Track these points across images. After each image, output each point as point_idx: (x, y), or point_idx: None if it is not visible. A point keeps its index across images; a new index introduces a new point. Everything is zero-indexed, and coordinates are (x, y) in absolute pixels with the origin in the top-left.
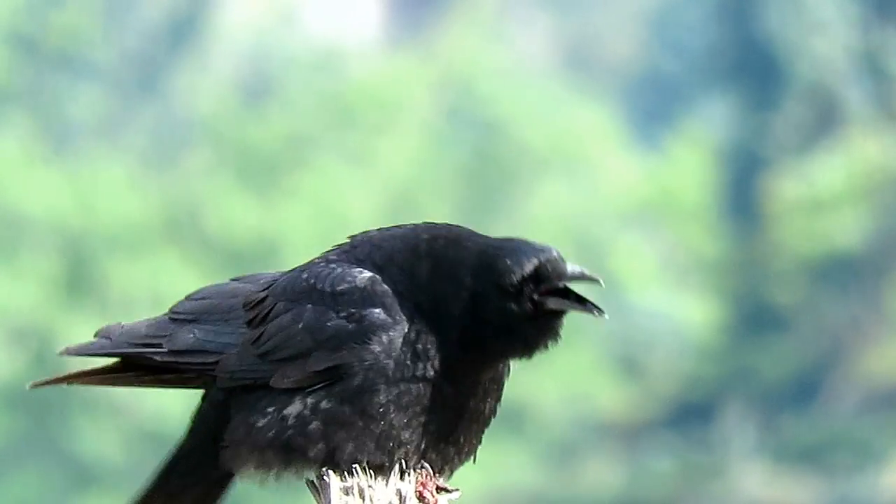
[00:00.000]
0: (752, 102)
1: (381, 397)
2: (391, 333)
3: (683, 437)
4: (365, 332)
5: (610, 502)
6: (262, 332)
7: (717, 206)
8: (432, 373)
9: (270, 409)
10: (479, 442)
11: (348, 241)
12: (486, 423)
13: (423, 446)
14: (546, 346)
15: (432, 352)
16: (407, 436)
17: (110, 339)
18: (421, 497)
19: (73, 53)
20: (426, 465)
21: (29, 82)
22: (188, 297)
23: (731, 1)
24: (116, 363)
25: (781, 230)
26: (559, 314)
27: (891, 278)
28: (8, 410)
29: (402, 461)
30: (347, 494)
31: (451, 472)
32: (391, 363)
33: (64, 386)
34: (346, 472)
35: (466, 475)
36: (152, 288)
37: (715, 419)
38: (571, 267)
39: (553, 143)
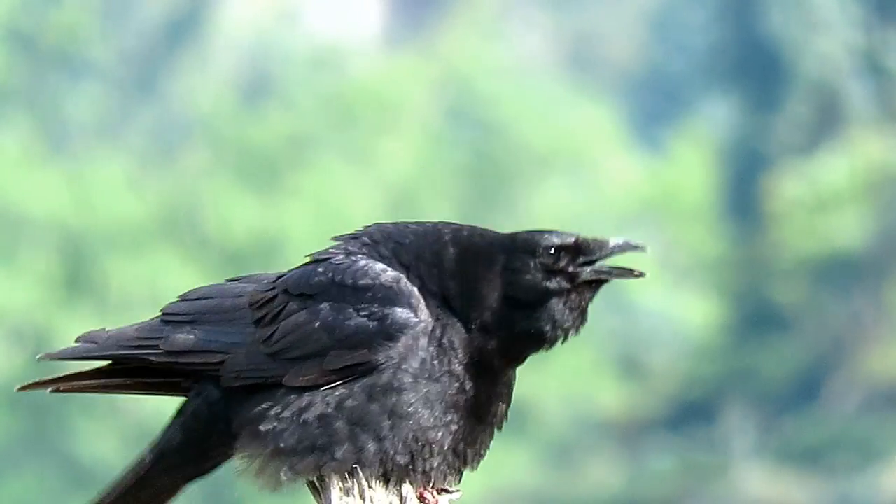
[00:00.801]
0: (754, 102)
1: (409, 396)
2: (416, 331)
3: (684, 437)
4: (389, 330)
5: (610, 502)
6: (274, 332)
7: (719, 205)
8: (458, 368)
9: (288, 413)
10: (488, 448)
11: (362, 230)
12: (498, 428)
13: (446, 447)
14: (572, 329)
15: (457, 346)
16: (433, 435)
17: (95, 343)
18: (422, 498)
19: (72, 53)
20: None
21: (28, 81)
22: (182, 298)
23: (733, 0)
24: (102, 369)
25: (783, 229)
26: (595, 287)
27: (892, 278)
28: (6, 411)
29: (425, 462)
30: (348, 495)
31: (461, 476)
32: (416, 362)
33: (53, 391)
34: (369, 475)
35: (467, 475)
36: (151, 287)
37: (716, 419)
38: (614, 240)
39: (554, 143)
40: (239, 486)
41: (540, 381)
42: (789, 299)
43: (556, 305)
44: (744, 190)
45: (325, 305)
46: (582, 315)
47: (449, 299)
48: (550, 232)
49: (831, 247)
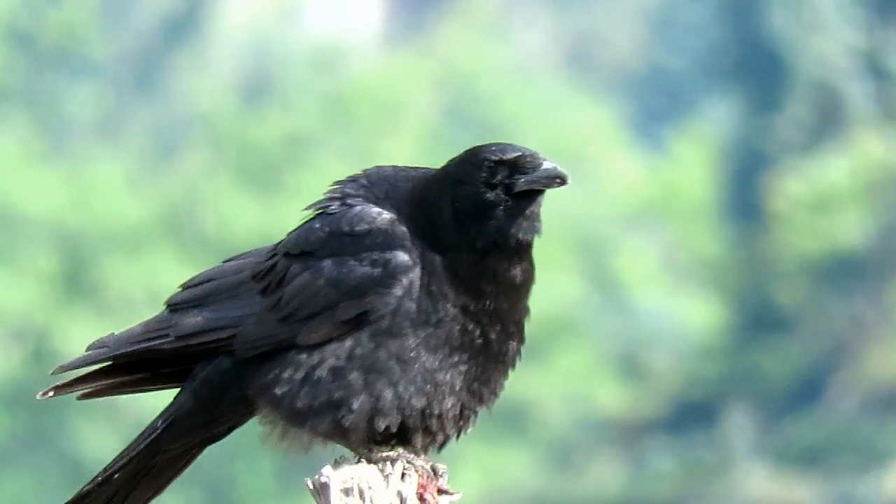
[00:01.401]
0: (755, 102)
1: (410, 341)
2: (411, 276)
3: (685, 437)
4: (390, 276)
5: (612, 502)
6: (280, 297)
7: (720, 205)
8: (452, 310)
9: (301, 373)
10: (503, 388)
11: (361, 172)
12: (512, 366)
13: (457, 387)
14: (525, 234)
15: (447, 287)
16: (441, 377)
17: (107, 346)
18: (421, 499)
19: (71, 51)
20: (427, 466)
21: (27, 81)
22: (184, 286)
23: (734, 1)
24: (117, 365)
25: (784, 229)
26: (530, 197)
27: (894, 278)
28: (6, 410)
29: (441, 404)
30: (348, 496)
31: (477, 417)
32: (413, 306)
33: (69, 395)
34: (388, 424)
35: (468, 475)
36: (150, 287)
37: (717, 419)
38: (548, 162)
39: (555, 143)
40: (238, 486)
41: (541, 381)
42: (790, 299)
43: (499, 214)
44: (745, 190)
45: (327, 262)
46: (531, 221)
47: (436, 239)
48: (495, 146)
49: (832, 246)
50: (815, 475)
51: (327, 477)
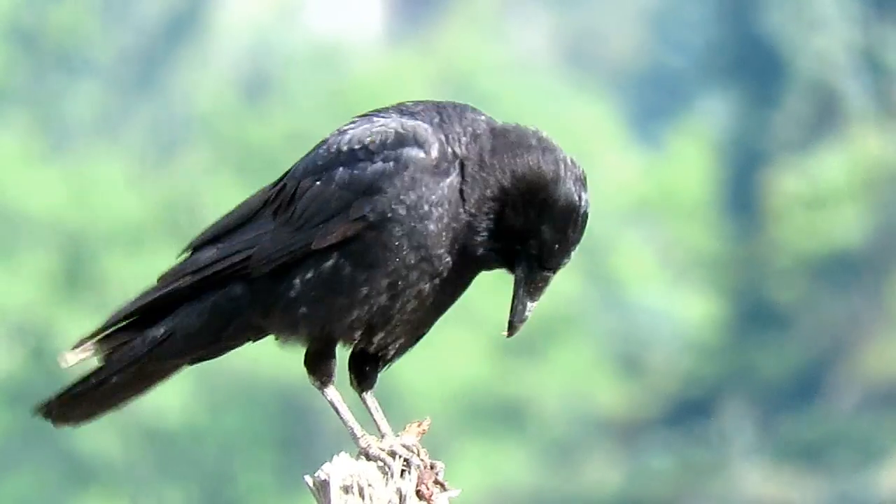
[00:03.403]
0: (753, 99)
1: (397, 229)
2: (423, 165)
3: (683, 435)
4: (402, 166)
5: (609, 500)
6: (293, 210)
7: (718, 202)
8: (450, 228)
9: (310, 274)
10: (422, 335)
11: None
12: (439, 315)
13: (414, 306)
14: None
15: (466, 203)
16: (413, 277)
17: (121, 308)
18: (420, 495)
19: (72, 50)
20: (426, 459)
21: (27, 79)
22: (201, 234)
23: None
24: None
25: (781, 227)
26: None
27: (891, 275)
28: (6, 407)
29: (406, 305)
30: (347, 493)
31: (400, 354)
32: (415, 195)
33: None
34: (363, 317)
35: (467, 473)
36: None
37: (715, 417)
38: (531, 307)
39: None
40: (238, 484)
41: (539, 379)
42: (788, 297)
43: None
44: (742, 187)
45: (339, 168)
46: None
47: (469, 170)
48: (572, 244)
49: (830, 244)
50: (812, 472)
51: (327, 475)
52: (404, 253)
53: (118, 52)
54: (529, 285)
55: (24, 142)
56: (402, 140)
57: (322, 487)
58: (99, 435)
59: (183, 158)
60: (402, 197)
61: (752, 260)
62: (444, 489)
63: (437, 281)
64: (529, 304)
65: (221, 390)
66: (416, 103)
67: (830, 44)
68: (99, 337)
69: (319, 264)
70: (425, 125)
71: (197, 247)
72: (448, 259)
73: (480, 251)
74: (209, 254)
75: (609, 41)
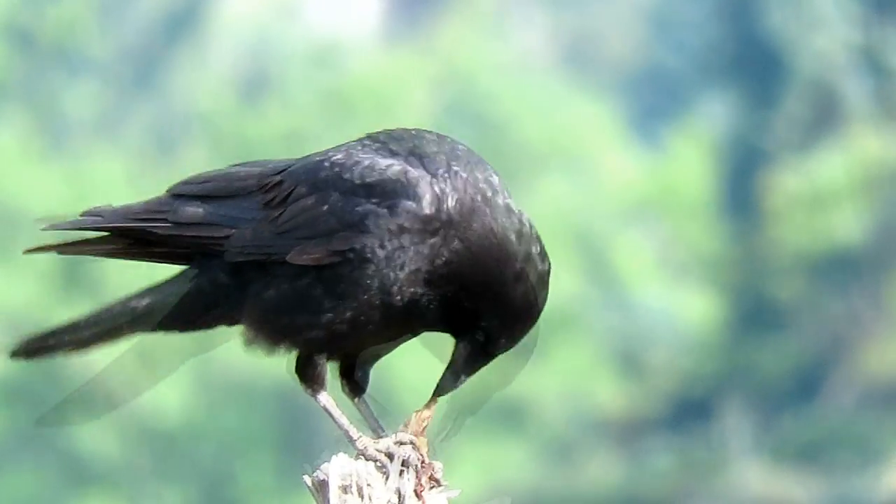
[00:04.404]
0: (752, 99)
1: (370, 268)
2: (409, 224)
3: (682, 434)
4: (397, 217)
5: (609, 499)
6: (283, 212)
7: (717, 202)
8: (418, 283)
9: (284, 284)
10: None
11: (366, 136)
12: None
13: (370, 338)
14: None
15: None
16: (375, 317)
17: (101, 216)
18: (417, 495)
19: (71, 48)
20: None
21: (26, 77)
22: (186, 182)
23: None
24: (107, 237)
25: (781, 226)
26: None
27: (891, 274)
28: (5, 407)
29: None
30: (346, 493)
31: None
32: (392, 246)
33: (60, 254)
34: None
35: (465, 472)
36: (150, 283)
37: (714, 416)
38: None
39: (552, 140)
40: (238, 483)
41: (538, 378)
42: (788, 296)
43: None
44: (742, 186)
45: (335, 194)
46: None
47: (449, 238)
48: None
49: (830, 243)
50: (812, 472)
51: (326, 474)
52: (372, 293)
53: (117, 50)
54: (468, 362)
55: (23, 140)
56: (402, 189)
57: (321, 487)
58: (98, 435)
59: (182, 156)
60: (385, 243)
61: (751, 259)
62: (439, 484)
63: (393, 323)
64: (463, 378)
65: (220, 389)
66: (436, 141)
67: (830, 43)
68: (65, 242)
69: (295, 279)
70: (429, 177)
71: (183, 194)
72: (406, 309)
73: (429, 317)
74: (194, 210)
75: (608, 41)
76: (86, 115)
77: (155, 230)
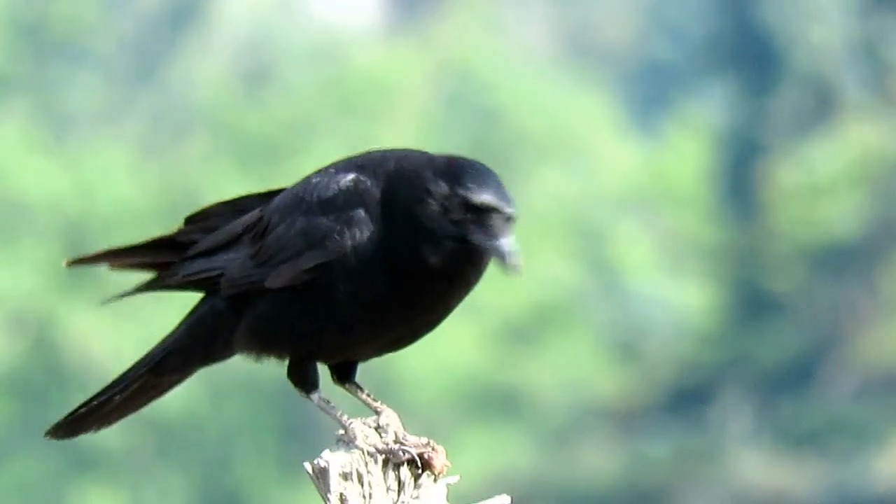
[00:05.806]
0: (750, 89)
1: (340, 287)
2: (364, 232)
3: (681, 423)
4: (349, 228)
5: (607, 487)
6: (262, 246)
7: (715, 192)
8: (387, 283)
9: (267, 307)
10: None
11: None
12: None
13: (376, 344)
14: (464, 275)
15: (381, 265)
16: (359, 326)
17: (141, 287)
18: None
19: (73, 41)
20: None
21: (29, 69)
22: (201, 225)
23: None
24: (140, 247)
25: (779, 216)
26: (479, 251)
27: (887, 264)
28: (7, 397)
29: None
30: (346, 480)
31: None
32: (357, 254)
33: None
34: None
35: (464, 460)
36: (151, 274)
37: (712, 404)
38: (508, 242)
39: (551, 131)
40: (239, 470)
41: (537, 367)
42: (785, 285)
43: (445, 245)
44: (739, 177)
45: (300, 217)
46: (472, 263)
47: (391, 217)
48: (472, 183)
49: (827, 233)
50: (810, 459)
51: (326, 462)
52: (346, 302)
53: (119, 42)
54: (480, 229)
55: (26, 131)
56: (356, 200)
57: (321, 474)
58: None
59: (183, 147)
60: (348, 254)
61: (749, 248)
62: (434, 472)
63: (375, 325)
64: (504, 241)
65: (222, 378)
66: (380, 153)
67: (827, 34)
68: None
69: (276, 302)
70: (372, 180)
71: (192, 256)
72: (379, 307)
73: (434, 255)
74: (198, 266)
75: (607, 32)
76: (88, 105)
77: (170, 284)
